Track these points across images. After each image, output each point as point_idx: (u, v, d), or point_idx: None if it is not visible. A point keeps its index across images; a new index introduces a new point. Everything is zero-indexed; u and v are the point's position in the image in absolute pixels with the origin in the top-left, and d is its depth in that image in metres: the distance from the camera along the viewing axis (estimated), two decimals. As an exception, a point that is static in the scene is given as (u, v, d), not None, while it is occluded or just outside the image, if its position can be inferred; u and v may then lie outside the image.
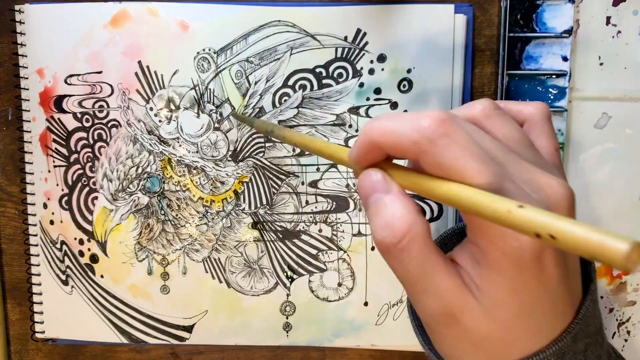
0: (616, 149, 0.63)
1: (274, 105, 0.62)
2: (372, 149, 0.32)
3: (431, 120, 0.29)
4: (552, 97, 0.61)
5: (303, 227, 0.64)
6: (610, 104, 0.62)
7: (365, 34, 0.61)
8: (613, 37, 0.61)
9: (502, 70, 0.61)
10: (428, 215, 0.63)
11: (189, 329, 0.66)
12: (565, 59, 0.61)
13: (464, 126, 0.30)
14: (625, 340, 0.66)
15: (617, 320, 0.65)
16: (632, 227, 0.64)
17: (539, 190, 0.30)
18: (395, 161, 0.35)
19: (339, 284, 0.65)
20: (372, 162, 0.33)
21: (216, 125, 0.63)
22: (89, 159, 0.64)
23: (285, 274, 0.65)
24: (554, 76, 0.61)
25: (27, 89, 0.64)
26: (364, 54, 0.61)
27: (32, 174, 0.65)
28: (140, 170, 0.64)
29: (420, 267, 0.31)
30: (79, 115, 0.63)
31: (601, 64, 0.61)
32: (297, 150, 0.63)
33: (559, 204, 0.30)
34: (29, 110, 0.64)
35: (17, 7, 0.62)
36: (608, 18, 0.61)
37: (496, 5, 0.61)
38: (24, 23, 0.62)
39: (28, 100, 0.64)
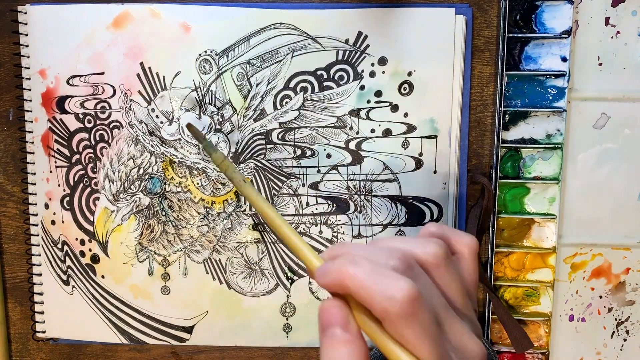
0: (615, 149, 0.63)
1: (275, 108, 0.63)
2: (341, 288, 0.34)
3: (403, 296, 0.31)
4: (551, 97, 0.62)
5: (304, 229, 0.65)
6: (609, 105, 0.62)
7: (366, 36, 0.61)
8: (612, 37, 0.62)
9: (501, 71, 0.61)
10: (428, 218, 0.64)
11: (189, 329, 0.67)
12: (564, 59, 0.61)
13: (427, 296, 0.34)
14: (624, 340, 0.66)
15: (615, 319, 0.66)
16: (631, 227, 0.64)
17: (463, 353, 0.35)
18: None
19: None
20: (338, 292, 0.35)
21: (217, 126, 0.63)
22: (91, 160, 0.65)
23: (285, 275, 0.66)
24: (553, 76, 0.61)
25: (29, 90, 0.64)
26: (365, 56, 0.61)
27: (34, 174, 0.65)
28: (141, 171, 0.64)
29: None
30: (81, 116, 0.64)
31: (600, 64, 0.62)
32: (298, 152, 0.63)
33: None
34: (30, 111, 0.64)
35: (19, 8, 0.63)
36: (607, 18, 0.61)
37: (495, 6, 0.62)
38: (25, 24, 0.63)
39: (30, 100, 0.64)
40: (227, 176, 0.49)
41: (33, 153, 0.65)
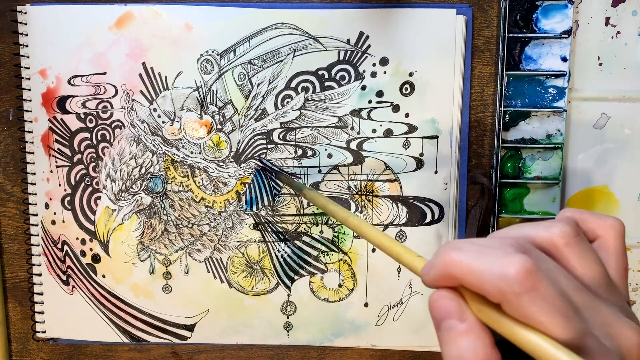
0: (615, 149, 0.65)
1: (276, 107, 0.64)
2: (451, 280, 0.32)
3: (518, 270, 0.29)
4: (551, 97, 0.63)
5: (304, 229, 0.67)
6: (609, 104, 0.64)
7: (368, 37, 0.63)
8: (612, 37, 0.63)
9: (502, 71, 0.62)
10: (429, 218, 0.66)
11: (190, 328, 0.69)
12: (564, 59, 0.63)
13: (550, 275, 0.31)
14: None
15: None
16: (632, 227, 0.66)
17: (614, 338, 0.31)
18: None
19: (340, 285, 0.67)
20: (448, 286, 0.33)
21: (219, 126, 0.65)
22: (93, 159, 0.66)
23: (286, 274, 0.68)
24: (553, 76, 0.63)
25: (29, 90, 0.66)
26: (366, 57, 0.63)
27: (34, 174, 0.67)
28: (143, 170, 0.66)
29: None
30: (82, 116, 0.66)
31: (600, 64, 0.64)
32: (299, 152, 0.65)
33: (631, 353, 0.31)
34: (30, 111, 0.66)
35: (19, 8, 0.65)
36: (607, 18, 0.63)
37: (495, 6, 0.63)
38: (25, 24, 0.65)
39: (30, 100, 0.66)
40: (317, 205, 0.51)
41: (33, 153, 0.67)
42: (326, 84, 0.64)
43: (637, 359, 0.31)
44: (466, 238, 0.35)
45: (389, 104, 0.64)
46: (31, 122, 0.66)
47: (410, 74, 0.63)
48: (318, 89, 0.64)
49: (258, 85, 0.64)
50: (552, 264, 0.32)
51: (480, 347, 0.30)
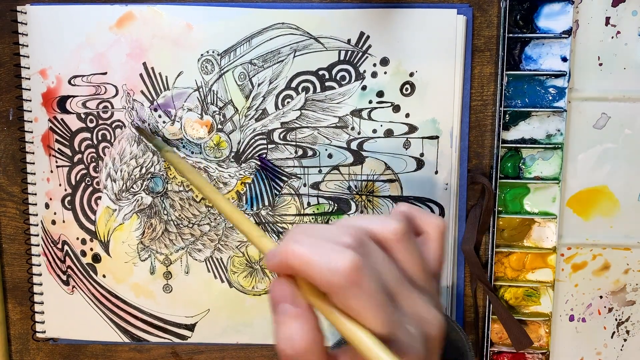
0: (615, 149, 0.65)
1: (276, 107, 0.65)
2: (287, 268, 0.36)
3: (345, 266, 0.33)
4: (551, 97, 0.64)
5: None
6: (609, 105, 0.64)
7: (368, 37, 0.63)
8: (612, 37, 0.63)
9: (502, 71, 0.63)
10: None
11: (191, 327, 0.69)
12: (564, 59, 0.63)
13: (375, 270, 0.36)
14: (625, 340, 0.68)
15: (616, 320, 0.68)
16: (631, 227, 0.66)
17: (420, 325, 0.37)
18: None
19: None
20: (287, 273, 0.37)
21: (219, 126, 0.65)
22: (93, 159, 0.67)
23: None
24: (553, 76, 0.63)
25: (29, 90, 0.66)
26: (367, 57, 0.63)
27: (34, 174, 0.67)
28: (144, 170, 0.66)
29: None
30: (83, 116, 0.66)
31: (600, 64, 0.64)
32: (300, 152, 0.65)
33: (432, 336, 0.37)
34: (30, 111, 0.66)
35: (18, 8, 0.65)
36: (607, 18, 0.63)
37: (495, 6, 0.64)
38: (25, 24, 0.65)
39: (30, 100, 0.66)
40: (176, 169, 0.54)
41: (33, 153, 0.67)
42: (327, 84, 0.64)
43: (436, 342, 0.38)
44: (308, 228, 0.38)
45: (389, 104, 0.64)
46: (31, 122, 0.67)
47: (411, 74, 0.64)
48: (318, 89, 0.64)
49: (258, 85, 0.64)
50: (380, 257, 0.37)
51: (308, 330, 0.35)
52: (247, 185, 0.66)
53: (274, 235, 0.67)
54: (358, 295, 0.33)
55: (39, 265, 0.69)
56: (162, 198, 0.67)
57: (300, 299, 0.36)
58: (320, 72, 0.64)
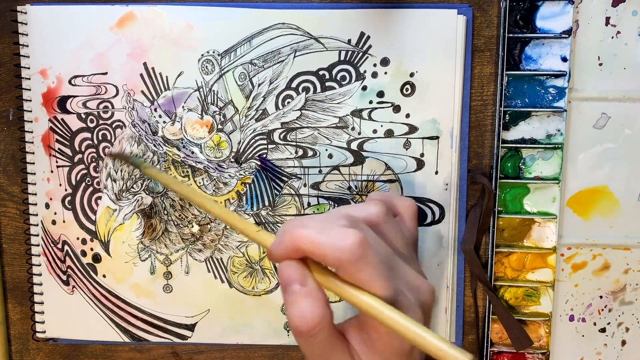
0: (615, 149, 0.65)
1: (277, 108, 0.65)
2: (298, 253, 0.39)
3: (352, 242, 0.37)
4: (551, 97, 0.64)
5: None
6: (609, 105, 0.64)
7: (368, 37, 0.63)
8: (612, 37, 0.63)
9: (502, 71, 0.63)
10: (429, 219, 0.66)
11: (191, 327, 0.69)
12: (564, 59, 0.63)
13: (374, 245, 0.40)
14: (625, 340, 0.69)
15: (616, 320, 0.68)
16: (631, 227, 0.67)
17: (415, 292, 0.42)
18: None
19: None
20: (295, 257, 0.41)
21: (219, 126, 0.66)
22: (93, 159, 0.67)
23: None
24: (553, 76, 0.63)
25: (29, 90, 0.66)
26: (367, 57, 0.64)
27: (34, 174, 0.68)
28: None
29: (323, 349, 0.41)
30: (83, 116, 0.66)
31: (600, 64, 0.64)
32: (300, 153, 0.66)
33: (427, 301, 0.43)
34: (30, 111, 0.67)
35: (19, 8, 0.65)
36: (607, 18, 0.63)
37: (495, 5, 0.64)
38: (26, 24, 0.65)
39: (30, 100, 0.66)
40: (159, 182, 0.58)
41: (33, 153, 0.67)
42: (327, 84, 0.65)
43: (431, 304, 0.43)
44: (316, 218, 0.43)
45: (389, 105, 0.64)
46: (31, 122, 0.67)
47: (411, 75, 0.64)
48: (319, 89, 0.65)
49: (259, 85, 0.65)
50: (374, 235, 0.42)
51: (318, 306, 0.39)
52: (247, 185, 0.67)
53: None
54: (366, 267, 0.37)
55: (39, 265, 0.70)
56: (162, 198, 0.67)
57: (310, 279, 0.40)
58: (321, 73, 0.64)
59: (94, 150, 0.67)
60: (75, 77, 0.66)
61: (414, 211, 0.52)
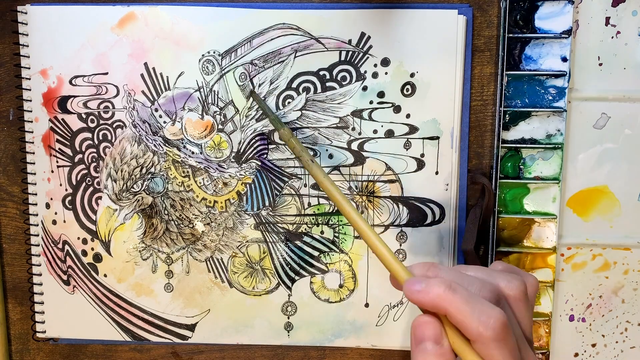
0: (615, 149, 0.65)
1: (277, 108, 0.65)
2: (438, 309, 0.40)
3: (496, 322, 0.37)
4: (551, 97, 0.64)
5: (305, 229, 0.68)
6: (609, 105, 0.65)
7: (369, 37, 0.63)
8: (612, 37, 0.64)
9: (502, 71, 0.63)
10: (430, 219, 0.67)
11: (191, 327, 0.70)
12: (564, 59, 0.63)
13: (515, 330, 0.40)
14: (624, 340, 0.69)
15: (615, 319, 0.69)
16: (631, 227, 0.67)
17: None
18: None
19: (340, 286, 0.68)
20: (431, 311, 0.41)
21: (220, 127, 0.66)
22: (94, 159, 0.67)
23: (287, 274, 0.69)
24: (553, 76, 0.64)
25: (29, 90, 0.67)
26: (367, 57, 0.64)
27: (34, 174, 0.68)
28: (144, 170, 0.67)
29: None
30: (83, 116, 0.67)
31: (600, 64, 0.64)
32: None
33: None
34: (30, 111, 0.67)
35: (19, 8, 0.65)
36: (607, 18, 0.64)
37: (495, 6, 0.64)
38: (26, 24, 0.66)
39: (30, 100, 0.67)
40: (295, 154, 0.56)
41: (33, 153, 0.68)
42: (327, 84, 0.65)
43: None
44: (457, 270, 0.44)
45: (390, 105, 0.65)
46: (31, 122, 0.67)
47: (412, 75, 0.64)
48: (319, 90, 0.65)
49: (259, 85, 0.65)
50: (511, 313, 0.42)
51: None
52: (247, 185, 0.67)
53: (274, 236, 0.68)
54: (503, 348, 0.38)
55: (39, 265, 0.70)
56: (162, 198, 0.68)
57: (445, 340, 0.40)
58: (321, 73, 0.65)
59: (95, 150, 0.67)
60: (76, 77, 0.66)
61: (537, 291, 0.50)
